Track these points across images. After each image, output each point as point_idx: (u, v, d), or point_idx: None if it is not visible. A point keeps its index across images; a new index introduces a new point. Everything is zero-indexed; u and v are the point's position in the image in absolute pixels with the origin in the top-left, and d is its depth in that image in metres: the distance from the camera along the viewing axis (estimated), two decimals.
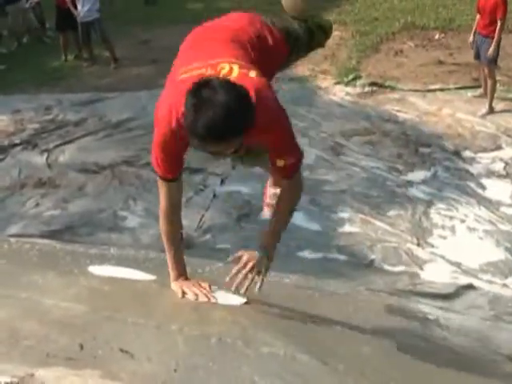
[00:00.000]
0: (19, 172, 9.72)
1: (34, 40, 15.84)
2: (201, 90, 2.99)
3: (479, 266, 7.44)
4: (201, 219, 8.40)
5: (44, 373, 2.77)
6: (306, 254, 7.77)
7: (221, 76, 3.18)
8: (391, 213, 8.38)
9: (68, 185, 9.34)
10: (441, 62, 12.57)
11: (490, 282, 7.14)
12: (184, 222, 8.30)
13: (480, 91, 11.07)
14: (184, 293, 3.70)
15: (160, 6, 17.47)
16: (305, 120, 10.73)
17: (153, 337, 3.23)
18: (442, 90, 11.61)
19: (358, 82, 11.97)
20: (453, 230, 8.09)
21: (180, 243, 3.89)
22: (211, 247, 7.86)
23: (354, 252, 7.78)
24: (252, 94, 3.12)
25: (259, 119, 3.11)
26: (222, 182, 9.19)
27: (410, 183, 9.03)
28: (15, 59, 14.74)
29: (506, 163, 9.34)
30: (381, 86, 11.87)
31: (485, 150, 9.62)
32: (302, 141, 9.93)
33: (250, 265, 3.57)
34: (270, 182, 4.19)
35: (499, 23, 10.14)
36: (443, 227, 8.08)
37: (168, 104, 3.42)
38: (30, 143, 10.61)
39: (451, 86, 11.66)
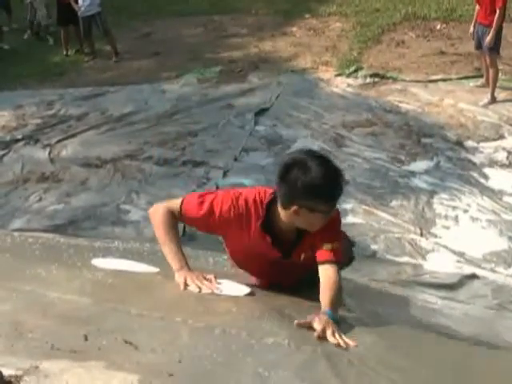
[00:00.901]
0: (22, 167, 9.74)
1: (36, 36, 15.83)
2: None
3: (482, 255, 7.44)
4: None
5: (48, 365, 2.77)
6: None
7: None
8: (394, 203, 8.38)
9: (71, 179, 9.35)
10: (442, 53, 12.56)
11: (494, 272, 7.13)
12: None
13: (482, 81, 11.05)
14: (186, 285, 3.69)
15: None
16: (307, 112, 10.74)
17: (157, 328, 3.24)
18: (443, 80, 11.60)
19: (360, 74, 11.96)
20: (456, 219, 8.09)
21: (178, 233, 3.86)
22: (214, 239, 7.85)
23: (358, 243, 7.77)
24: None
25: None
26: (225, 174, 9.19)
27: (413, 173, 9.02)
28: (17, 55, 14.74)
29: (509, 152, 9.32)
30: (382, 77, 11.86)
31: (487, 140, 9.60)
32: (303, 132, 10.02)
33: (329, 331, 3.34)
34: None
35: (498, 12, 10.12)
36: (446, 217, 8.07)
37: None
38: (32, 138, 10.63)
39: (453, 76, 11.65)
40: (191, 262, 3.94)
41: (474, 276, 7.05)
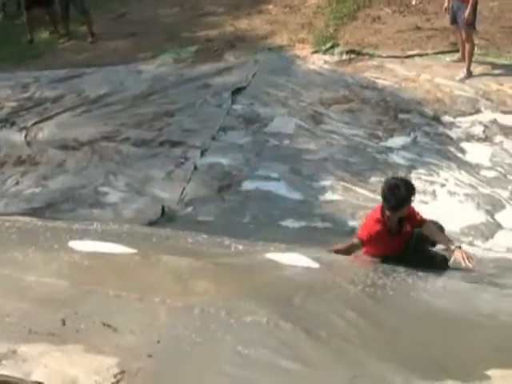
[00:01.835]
0: None
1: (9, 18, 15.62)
2: None
3: (460, 229, 7.49)
4: (182, 192, 8.39)
5: (26, 349, 2.77)
6: (289, 223, 7.79)
7: None
8: (372, 179, 8.41)
9: (48, 162, 9.29)
10: (418, 28, 12.52)
11: (472, 245, 7.18)
12: (165, 196, 8.34)
13: (458, 56, 11.04)
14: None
15: None
16: (284, 90, 10.70)
17: (135, 309, 3.24)
18: (420, 55, 11.57)
19: (336, 50, 11.91)
20: (434, 194, 8.13)
21: None
22: (193, 220, 7.87)
23: (337, 219, 7.81)
24: None
25: None
26: (202, 154, 9.17)
27: (391, 149, 9.04)
28: None
29: (486, 126, 9.34)
30: (359, 53, 11.82)
31: (464, 114, 9.62)
32: (281, 110, 10.01)
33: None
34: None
35: None
36: (424, 192, 8.10)
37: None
38: (7, 121, 10.53)
39: (429, 52, 11.62)
40: (171, 241, 3.94)
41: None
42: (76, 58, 12.94)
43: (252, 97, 10.57)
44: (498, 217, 7.68)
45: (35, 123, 10.35)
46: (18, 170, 9.13)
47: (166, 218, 7.93)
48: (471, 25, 10.37)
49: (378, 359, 3.30)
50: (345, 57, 11.70)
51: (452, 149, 8.94)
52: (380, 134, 9.39)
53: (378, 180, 8.35)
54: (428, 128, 9.44)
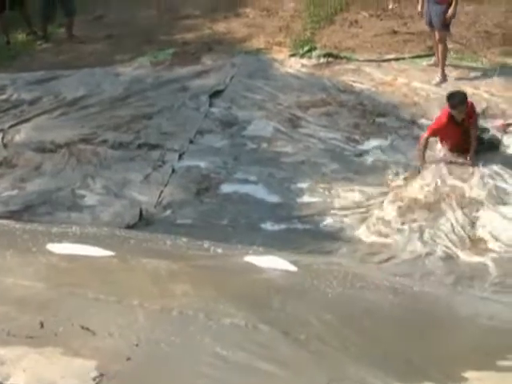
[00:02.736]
0: None
1: None
2: None
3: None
4: (160, 195, 8.39)
5: (4, 352, 2.76)
6: (268, 226, 7.80)
7: None
8: (349, 182, 8.44)
9: (25, 164, 9.24)
10: (395, 32, 12.59)
11: (449, 248, 7.22)
12: (143, 199, 8.34)
13: (434, 59, 11.12)
14: None
15: None
16: (261, 93, 10.72)
17: (114, 312, 3.24)
18: (396, 59, 11.63)
19: (314, 54, 11.94)
20: None
21: None
22: (172, 223, 7.85)
23: (315, 221, 7.83)
24: None
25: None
26: (180, 157, 9.16)
27: (367, 152, 9.08)
28: None
29: None
30: (336, 56, 11.85)
31: None
32: (258, 114, 10.03)
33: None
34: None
35: None
36: (402, 195, 8.14)
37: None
38: None
39: (406, 56, 11.69)
40: (149, 244, 3.94)
41: (429, 253, 7.14)
42: (53, 60, 12.87)
43: (230, 100, 10.58)
44: (475, 218, 7.72)
45: (12, 125, 10.28)
46: None
47: (143, 221, 7.91)
48: (447, 27, 10.47)
49: (356, 362, 3.32)
50: (322, 60, 11.74)
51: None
52: (357, 137, 9.42)
53: (355, 183, 8.40)
54: (405, 131, 9.50)
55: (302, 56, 11.95)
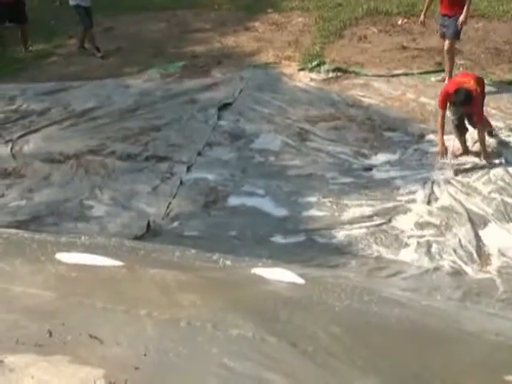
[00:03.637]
0: None
1: None
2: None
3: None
4: (168, 207, 8.40)
5: (13, 359, 2.77)
6: (276, 239, 7.80)
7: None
8: (357, 196, 8.44)
9: (33, 175, 9.27)
10: (404, 48, 12.64)
11: (456, 264, 7.21)
12: (151, 210, 8.34)
13: (443, 75, 11.15)
14: None
15: None
16: (270, 106, 10.76)
17: (122, 322, 3.24)
18: (405, 74, 11.67)
19: (322, 68, 11.98)
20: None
21: None
22: (179, 234, 7.86)
23: (323, 235, 7.82)
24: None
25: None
26: (188, 169, 9.18)
27: (376, 167, 9.08)
28: None
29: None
30: (345, 71, 11.90)
31: (448, 133, 9.68)
32: (266, 127, 10.05)
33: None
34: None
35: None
36: (410, 209, 8.13)
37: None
38: None
39: (415, 71, 11.73)
40: (158, 255, 3.95)
41: (437, 268, 7.13)
42: (63, 71, 12.94)
43: (238, 113, 10.61)
44: (483, 233, 7.71)
45: (21, 136, 10.33)
46: (4, 182, 9.10)
47: (151, 232, 7.92)
48: (457, 35, 10.56)
49: (363, 375, 3.32)
50: (331, 75, 11.79)
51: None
52: (365, 151, 9.44)
53: (363, 197, 8.40)
54: (413, 146, 9.50)
55: (311, 70, 12.00)
